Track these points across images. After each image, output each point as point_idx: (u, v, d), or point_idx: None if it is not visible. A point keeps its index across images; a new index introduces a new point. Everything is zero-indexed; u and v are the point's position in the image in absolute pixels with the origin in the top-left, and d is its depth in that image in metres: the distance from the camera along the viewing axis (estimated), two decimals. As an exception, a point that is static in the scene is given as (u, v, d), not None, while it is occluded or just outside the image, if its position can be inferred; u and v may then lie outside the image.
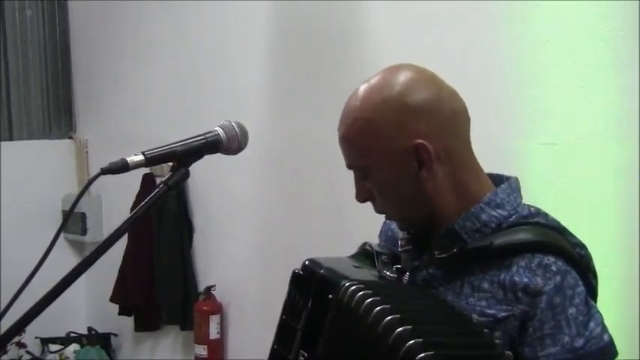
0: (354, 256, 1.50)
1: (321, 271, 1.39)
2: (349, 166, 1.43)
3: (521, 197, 1.42)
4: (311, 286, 1.39)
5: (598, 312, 1.34)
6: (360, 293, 1.26)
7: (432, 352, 1.15)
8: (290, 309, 1.43)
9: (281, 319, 1.45)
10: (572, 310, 1.29)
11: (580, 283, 1.32)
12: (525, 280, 1.30)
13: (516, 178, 1.44)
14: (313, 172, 3.21)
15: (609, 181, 2.18)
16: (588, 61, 2.21)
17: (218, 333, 3.74)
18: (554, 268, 1.30)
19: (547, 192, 2.23)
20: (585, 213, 2.16)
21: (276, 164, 3.44)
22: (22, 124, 4.68)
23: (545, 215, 1.40)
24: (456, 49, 2.57)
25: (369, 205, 1.45)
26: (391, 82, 1.38)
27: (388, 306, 1.22)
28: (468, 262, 1.36)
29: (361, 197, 1.44)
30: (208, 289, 3.75)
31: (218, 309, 3.75)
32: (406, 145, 1.34)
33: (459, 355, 1.20)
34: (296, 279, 1.44)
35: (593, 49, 2.20)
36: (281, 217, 3.43)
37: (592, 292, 1.37)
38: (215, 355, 3.74)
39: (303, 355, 1.37)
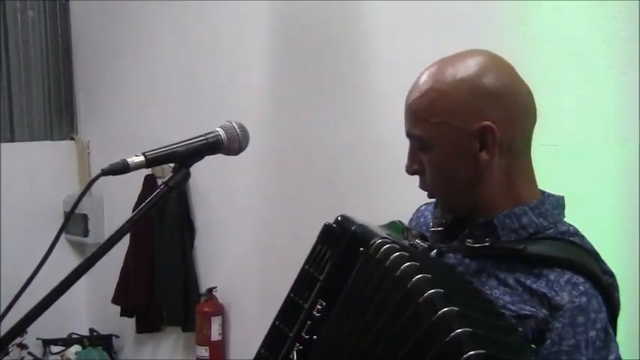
0: (383, 226, 1.47)
1: (354, 227, 1.38)
2: (409, 135, 1.40)
3: (564, 215, 1.41)
4: (342, 240, 1.38)
5: (615, 342, 1.32)
6: (396, 254, 1.24)
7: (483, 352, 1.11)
8: (314, 260, 1.42)
9: (302, 268, 1.44)
10: (592, 334, 1.27)
11: (604, 309, 1.31)
12: (553, 293, 1.28)
13: (563, 197, 1.42)
14: (314, 172, 3.21)
15: (610, 182, 2.18)
16: (589, 62, 2.21)
17: (220, 334, 3.74)
18: (582, 288, 1.29)
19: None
20: (586, 213, 2.15)
21: (277, 165, 3.44)
22: (24, 126, 4.68)
23: (582, 237, 1.38)
24: (457, 51, 2.56)
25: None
26: (470, 62, 1.38)
27: (429, 275, 1.19)
28: (496, 257, 1.34)
29: (411, 169, 1.41)
30: (210, 290, 3.75)
31: (219, 310, 3.75)
32: (473, 126, 1.32)
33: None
34: (327, 231, 1.43)
35: (593, 50, 2.20)
36: (282, 218, 3.42)
37: (613, 321, 1.36)
38: (217, 356, 3.74)
39: (321, 304, 1.36)
